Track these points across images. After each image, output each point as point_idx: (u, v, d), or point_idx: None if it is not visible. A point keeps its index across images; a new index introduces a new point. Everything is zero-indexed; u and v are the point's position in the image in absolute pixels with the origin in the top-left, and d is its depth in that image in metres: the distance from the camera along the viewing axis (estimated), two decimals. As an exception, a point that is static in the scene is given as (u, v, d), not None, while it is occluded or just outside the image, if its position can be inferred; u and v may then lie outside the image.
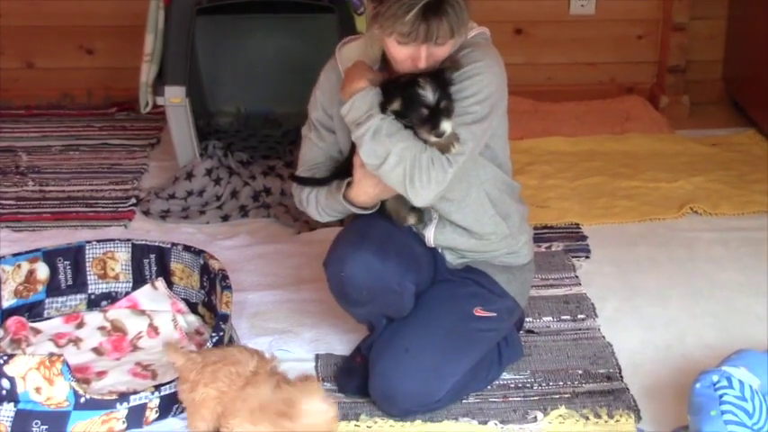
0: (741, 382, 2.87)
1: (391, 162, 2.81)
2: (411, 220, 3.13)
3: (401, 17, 2.70)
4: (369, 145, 2.83)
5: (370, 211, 3.07)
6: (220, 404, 2.80)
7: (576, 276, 3.95)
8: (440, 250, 3.21)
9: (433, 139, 2.85)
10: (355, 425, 3.05)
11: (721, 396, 2.82)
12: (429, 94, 2.84)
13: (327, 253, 3.09)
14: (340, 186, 3.02)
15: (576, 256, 4.09)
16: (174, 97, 4.45)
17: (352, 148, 3.00)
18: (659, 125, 5.26)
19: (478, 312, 3.12)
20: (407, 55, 2.84)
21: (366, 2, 4.36)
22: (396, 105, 2.86)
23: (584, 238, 4.24)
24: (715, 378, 2.87)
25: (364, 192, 3.01)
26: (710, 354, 3.19)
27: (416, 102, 2.85)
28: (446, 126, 2.84)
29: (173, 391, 3.11)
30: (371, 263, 2.98)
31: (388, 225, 3.12)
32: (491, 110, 2.95)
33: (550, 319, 3.68)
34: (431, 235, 3.16)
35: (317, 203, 3.13)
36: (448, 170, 2.83)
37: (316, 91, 3.19)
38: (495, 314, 3.13)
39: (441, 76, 2.88)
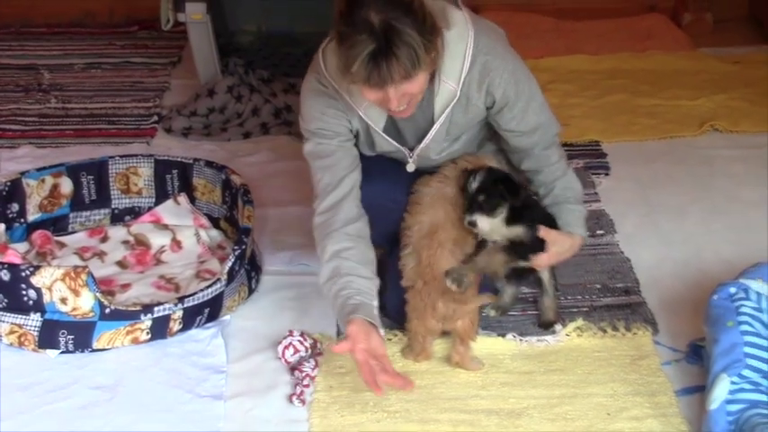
0: (758, 294, 2.89)
1: None
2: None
3: (350, 67, 2.58)
4: None
5: None
6: None
7: (596, 193, 3.97)
8: None
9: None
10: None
11: (738, 307, 2.84)
12: (474, 184, 2.93)
13: None
14: (343, 319, 2.86)
15: (595, 173, 4.10)
16: (195, 13, 4.44)
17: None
18: (681, 43, 5.23)
19: None
20: (377, 98, 2.71)
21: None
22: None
23: (603, 155, 4.25)
24: (732, 290, 2.90)
25: None
26: (728, 268, 3.19)
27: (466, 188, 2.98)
28: (476, 219, 2.95)
29: (196, 303, 3.16)
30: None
31: (373, 157, 3.10)
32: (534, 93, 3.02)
33: None
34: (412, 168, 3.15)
35: (327, 292, 2.95)
36: None
37: (306, 103, 3.01)
38: None
39: (510, 182, 3.01)
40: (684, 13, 5.45)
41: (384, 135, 3.00)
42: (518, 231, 3.01)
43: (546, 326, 3.20)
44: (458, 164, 3.09)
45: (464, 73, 2.84)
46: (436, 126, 2.97)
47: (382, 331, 2.84)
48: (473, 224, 2.93)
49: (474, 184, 2.94)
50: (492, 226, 2.98)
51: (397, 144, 3.04)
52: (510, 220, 3.00)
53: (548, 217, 3.10)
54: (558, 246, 3.06)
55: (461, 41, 2.81)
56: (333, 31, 2.66)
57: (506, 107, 2.96)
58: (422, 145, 3.03)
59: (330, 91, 2.89)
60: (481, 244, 3.02)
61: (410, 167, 3.11)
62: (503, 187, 2.96)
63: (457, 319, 2.96)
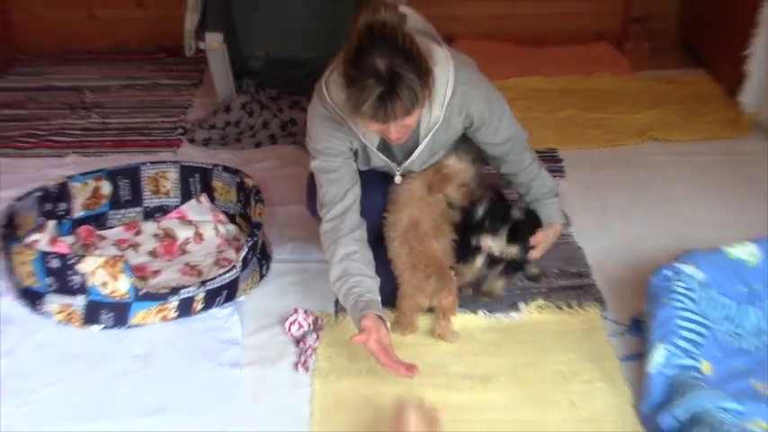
0: (689, 277, 2.91)
1: None
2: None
3: (360, 107, 2.57)
4: None
5: None
6: None
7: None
8: None
9: None
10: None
11: (672, 287, 2.86)
12: (479, 211, 3.10)
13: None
14: (356, 314, 2.83)
15: (553, 176, 4.07)
16: (214, 42, 4.45)
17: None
18: (624, 67, 5.23)
19: None
20: (378, 129, 2.72)
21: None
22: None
23: (560, 160, 4.25)
24: (668, 273, 2.92)
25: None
26: (665, 254, 3.20)
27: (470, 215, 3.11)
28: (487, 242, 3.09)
29: (215, 286, 3.17)
30: None
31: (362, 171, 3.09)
32: (504, 111, 3.06)
33: None
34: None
35: (338, 290, 2.93)
36: None
37: (314, 126, 2.96)
38: None
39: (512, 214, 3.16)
40: (626, 42, 5.47)
41: (378, 153, 3.00)
42: (515, 249, 3.14)
43: (535, 278, 3.35)
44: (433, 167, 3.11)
45: (446, 102, 2.85)
46: (421, 146, 2.98)
47: (388, 324, 2.85)
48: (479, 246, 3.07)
49: (480, 213, 3.07)
50: (496, 245, 3.10)
51: (387, 160, 3.04)
52: (510, 240, 3.12)
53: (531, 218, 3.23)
54: (546, 242, 3.25)
55: (444, 76, 2.81)
56: (340, 73, 2.63)
57: (483, 126, 2.99)
58: (408, 161, 3.04)
59: (335, 116, 2.87)
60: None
61: (397, 179, 3.11)
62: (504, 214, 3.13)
63: (443, 297, 2.98)
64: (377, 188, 3.11)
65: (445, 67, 2.82)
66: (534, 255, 3.22)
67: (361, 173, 3.07)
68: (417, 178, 3.08)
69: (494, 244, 3.09)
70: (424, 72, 2.59)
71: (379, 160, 3.04)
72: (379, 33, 2.53)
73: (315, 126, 2.94)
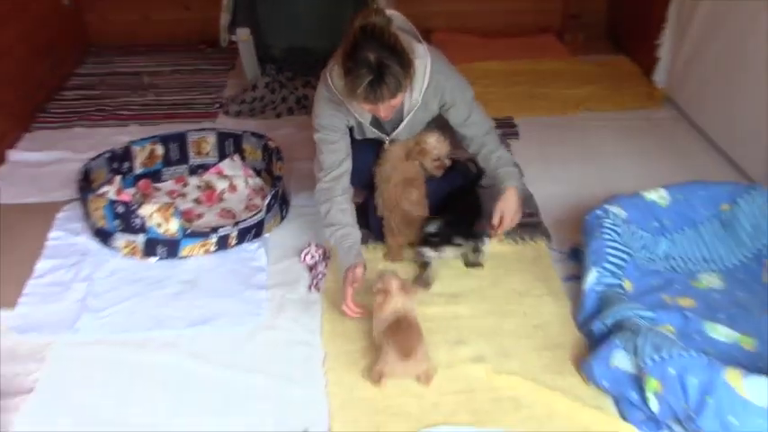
0: (615, 215, 2.90)
1: None
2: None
3: (354, 92, 2.57)
4: None
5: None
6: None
7: (510, 151, 3.87)
8: None
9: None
10: (366, 246, 3.08)
11: (602, 224, 2.85)
12: (432, 228, 2.89)
13: None
14: (347, 261, 2.80)
15: (510, 138, 4.06)
16: (243, 35, 4.41)
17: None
18: (563, 53, 5.17)
19: None
20: (370, 109, 2.70)
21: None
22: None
23: (514, 125, 4.19)
24: (599, 212, 2.91)
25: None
26: (596, 198, 3.16)
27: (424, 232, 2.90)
28: (429, 253, 2.90)
29: (246, 226, 3.16)
30: None
31: (359, 140, 3.05)
32: (467, 95, 2.96)
33: None
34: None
35: (325, 218, 2.90)
36: None
37: (319, 106, 2.91)
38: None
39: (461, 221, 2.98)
40: (566, 33, 5.41)
41: (371, 128, 2.98)
42: (466, 247, 3.01)
43: (473, 265, 3.07)
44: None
45: (424, 88, 2.83)
46: (404, 122, 2.95)
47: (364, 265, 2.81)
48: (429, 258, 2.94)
49: (434, 229, 2.90)
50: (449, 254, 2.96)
51: (379, 133, 3.01)
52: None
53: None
54: (509, 210, 2.95)
55: (422, 67, 2.78)
56: (340, 64, 2.62)
57: (453, 107, 2.94)
58: (395, 133, 3.01)
59: (336, 100, 2.83)
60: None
61: (386, 146, 3.08)
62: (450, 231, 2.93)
63: (409, 234, 3.01)
64: (370, 151, 3.09)
65: (424, 60, 2.79)
66: (506, 224, 2.94)
67: (359, 141, 3.04)
68: (399, 145, 3.04)
69: (434, 254, 2.93)
70: (406, 64, 2.59)
71: (372, 133, 3.02)
72: (371, 33, 2.53)
73: (320, 107, 2.90)
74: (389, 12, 2.69)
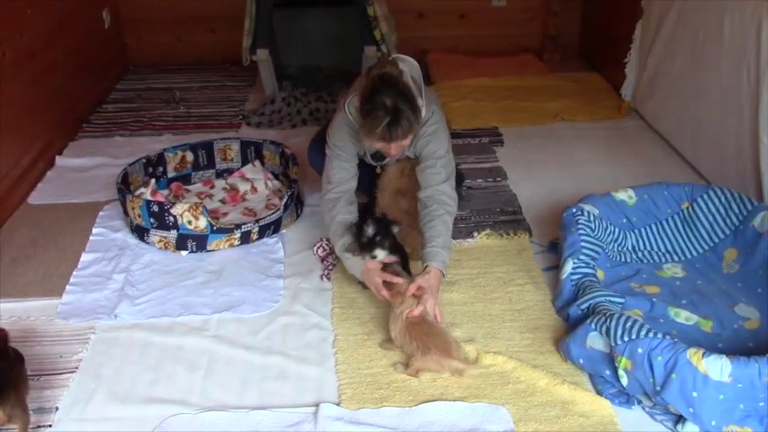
0: (588, 212, 2.86)
1: None
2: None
3: (373, 131, 2.55)
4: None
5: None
6: None
7: (496, 157, 3.89)
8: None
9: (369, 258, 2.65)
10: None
11: (577, 220, 2.82)
12: (370, 230, 2.67)
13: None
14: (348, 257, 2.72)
15: (495, 145, 4.03)
16: (263, 55, 4.37)
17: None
18: (542, 70, 5.11)
19: None
20: (381, 147, 2.67)
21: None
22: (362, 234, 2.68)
23: (500, 134, 4.14)
24: (574, 210, 2.87)
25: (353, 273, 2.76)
26: (572, 197, 3.13)
27: (362, 234, 2.67)
28: (379, 254, 2.66)
29: (266, 223, 3.12)
30: None
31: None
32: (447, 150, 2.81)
33: (481, 180, 3.64)
34: None
35: (330, 225, 2.80)
36: None
37: (337, 131, 2.82)
38: None
39: (385, 221, 2.72)
40: (544, 53, 5.36)
41: (370, 158, 2.96)
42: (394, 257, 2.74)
43: None
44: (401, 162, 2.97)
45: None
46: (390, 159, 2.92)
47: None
48: (374, 257, 2.67)
49: (372, 231, 2.68)
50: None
51: (373, 162, 2.99)
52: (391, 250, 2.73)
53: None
54: (431, 291, 2.55)
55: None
56: (357, 106, 2.62)
57: (424, 159, 2.81)
58: (383, 162, 2.99)
59: (352, 130, 2.80)
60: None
61: (378, 170, 3.04)
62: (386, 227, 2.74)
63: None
64: (371, 172, 3.04)
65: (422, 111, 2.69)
66: (429, 308, 2.50)
67: (362, 165, 2.95)
68: (396, 164, 2.98)
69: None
70: (416, 110, 2.59)
71: (369, 161, 2.98)
72: (387, 81, 2.54)
73: (338, 131, 2.83)
74: (403, 56, 2.70)
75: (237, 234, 3.08)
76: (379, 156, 2.96)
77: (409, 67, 2.69)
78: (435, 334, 2.44)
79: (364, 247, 2.68)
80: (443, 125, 2.84)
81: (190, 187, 3.61)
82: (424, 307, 2.49)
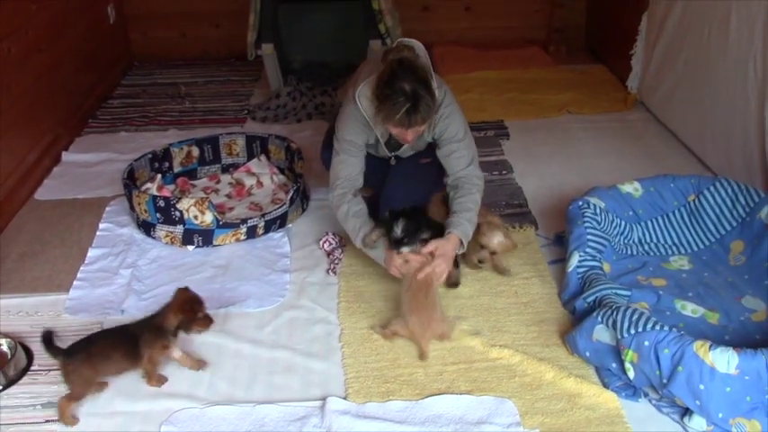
0: (594, 205, 2.86)
1: None
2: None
3: (392, 117, 2.54)
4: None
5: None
6: None
7: (501, 150, 3.90)
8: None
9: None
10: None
11: (583, 213, 2.82)
12: (399, 231, 2.62)
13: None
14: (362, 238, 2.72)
15: (501, 138, 4.03)
16: (267, 50, 4.37)
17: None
18: (548, 63, 5.11)
19: (423, 161, 3.02)
20: (399, 132, 2.66)
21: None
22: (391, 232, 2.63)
23: (506, 127, 4.15)
24: (580, 203, 2.87)
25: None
26: (578, 190, 3.13)
27: (393, 233, 2.62)
28: (405, 250, 2.62)
29: (272, 217, 3.12)
30: None
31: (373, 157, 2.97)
32: (461, 134, 2.79)
33: (487, 173, 3.55)
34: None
35: (346, 220, 2.77)
36: None
37: (345, 123, 2.80)
38: (430, 159, 2.97)
39: (415, 217, 2.65)
40: (550, 45, 5.36)
41: (384, 147, 2.94)
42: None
43: (454, 285, 2.83)
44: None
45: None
46: (406, 146, 2.93)
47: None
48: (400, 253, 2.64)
49: (400, 232, 2.62)
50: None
51: (387, 151, 2.97)
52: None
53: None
54: (445, 256, 2.62)
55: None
56: (373, 91, 2.60)
57: (444, 143, 2.82)
58: (398, 151, 2.98)
59: (362, 120, 2.76)
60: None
61: (392, 162, 3.03)
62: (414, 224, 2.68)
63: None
64: (382, 165, 3.02)
65: (439, 94, 2.70)
66: (438, 272, 2.59)
67: (372, 158, 2.96)
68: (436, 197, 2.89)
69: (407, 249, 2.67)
70: (433, 96, 2.58)
71: (383, 151, 2.97)
72: (406, 66, 2.53)
73: (346, 124, 2.81)
74: (409, 40, 2.68)
75: (243, 229, 3.09)
76: (393, 145, 2.95)
77: (419, 51, 2.68)
78: (425, 307, 2.48)
79: (392, 244, 2.66)
80: (456, 105, 2.83)
81: (196, 182, 3.61)
82: (433, 270, 2.54)
